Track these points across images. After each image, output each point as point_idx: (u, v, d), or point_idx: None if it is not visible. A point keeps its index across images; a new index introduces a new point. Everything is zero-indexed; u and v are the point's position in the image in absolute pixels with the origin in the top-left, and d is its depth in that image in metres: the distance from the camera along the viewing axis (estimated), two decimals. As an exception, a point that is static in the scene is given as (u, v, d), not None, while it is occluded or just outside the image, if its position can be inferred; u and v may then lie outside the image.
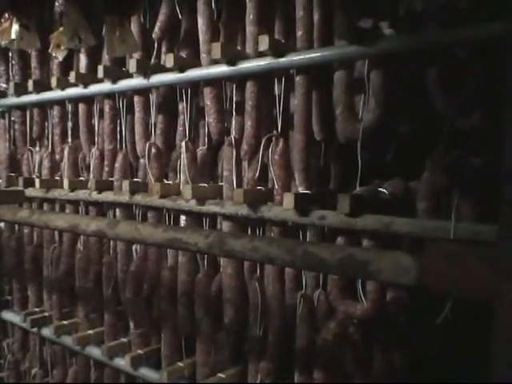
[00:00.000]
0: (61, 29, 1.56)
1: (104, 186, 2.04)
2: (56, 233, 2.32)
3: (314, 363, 1.51)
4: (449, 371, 1.43)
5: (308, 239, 1.53)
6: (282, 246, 0.89)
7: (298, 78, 1.49)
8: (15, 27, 1.65)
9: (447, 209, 1.32)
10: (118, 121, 2.03)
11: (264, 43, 1.47)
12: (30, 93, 2.30)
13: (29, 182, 2.28)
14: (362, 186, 1.44)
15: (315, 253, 0.83)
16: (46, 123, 2.35)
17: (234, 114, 1.66)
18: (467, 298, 0.75)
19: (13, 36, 1.68)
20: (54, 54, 1.90)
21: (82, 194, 2.12)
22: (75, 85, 2.08)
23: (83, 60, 2.13)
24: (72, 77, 2.05)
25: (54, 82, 2.14)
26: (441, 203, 1.35)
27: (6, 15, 1.66)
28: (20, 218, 1.52)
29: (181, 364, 1.88)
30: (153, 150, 1.87)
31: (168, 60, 1.71)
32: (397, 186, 1.47)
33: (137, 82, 1.88)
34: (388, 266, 0.77)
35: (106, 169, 2.07)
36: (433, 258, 0.76)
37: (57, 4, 1.60)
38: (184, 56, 1.79)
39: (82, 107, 2.15)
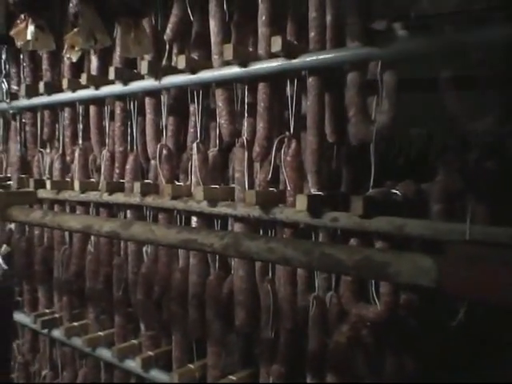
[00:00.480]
0: (75, 29, 1.56)
1: (115, 187, 2.04)
2: (66, 234, 2.33)
3: (326, 366, 1.50)
4: (461, 374, 1.42)
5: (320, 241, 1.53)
6: (298, 248, 0.89)
7: (310, 80, 1.49)
8: (31, 28, 1.65)
9: (460, 211, 1.31)
10: (129, 122, 2.04)
11: (276, 44, 1.47)
12: (41, 95, 2.31)
13: (39, 184, 2.29)
14: (374, 188, 1.44)
15: (333, 254, 0.83)
16: (57, 125, 2.35)
17: (246, 115, 1.66)
18: (488, 300, 0.74)
19: (28, 37, 1.68)
20: (68, 55, 1.90)
21: (92, 196, 2.13)
22: (86, 86, 2.09)
23: (94, 62, 2.13)
24: (83, 79, 2.06)
25: (65, 83, 2.15)
26: (454, 205, 1.35)
27: (22, 16, 1.66)
28: (33, 219, 1.52)
29: (192, 366, 1.87)
30: (164, 152, 1.87)
31: (180, 61, 1.71)
32: (409, 187, 1.46)
33: (148, 83, 1.89)
34: (407, 268, 0.76)
35: (117, 170, 2.07)
36: (453, 260, 0.75)
37: (71, 5, 1.61)
38: (196, 57, 1.79)
39: (92, 109, 2.16)
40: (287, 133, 1.57)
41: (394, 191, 1.44)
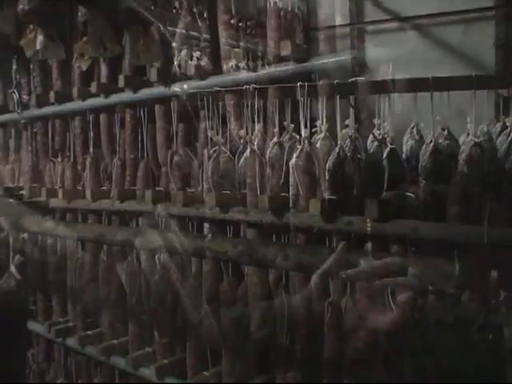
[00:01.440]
0: (85, 38, 1.56)
1: (126, 195, 2.03)
2: (79, 243, 2.33)
3: (343, 372, 1.48)
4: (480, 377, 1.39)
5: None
6: (315, 254, 0.87)
7: (320, 82, 1.48)
8: (40, 38, 1.65)
9: (477, 213, 1.28)
10: (140, 130, 2.03)
11: (286, 48, 1.46)
12: (52, 104, 2.32)
13: (51, 193, 2.29)
14: (387, 191, 1.41)
15: (352, 261, 0.81)
16: (68, 134, 2.35)
17: (257, 120, 1.65)
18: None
19: (38, 46, 1.68)
20: (77, 64, 1.90)
21: (104, 204, 2.12)
22: (96, 95, 2.09)
23: (104, 70, 2.14)
24: (93, 87, 2.06)
25: (75, 92, 2.16)
26: (471, 208, 1.32)
27: (31, 26, 1.67)
28: (46, 228, 1.52)
29: (206, 373, 1.86)
30: (175, 159, 1.86)
31: (189, 68, 1.71)
32: (423, 190, 1.44)
33: (158, 90, 1.89)
34: (429, 273, 0.74)
35: (128, 178, 2.06)
36: (475, 264, 0.73)
37: (80, 14, 1.62)
38: (205, 63, 1.78)
39: (103, 117, 2.16)
40: (298, 136, 1.55)
41: (409, 194, 1.42)
